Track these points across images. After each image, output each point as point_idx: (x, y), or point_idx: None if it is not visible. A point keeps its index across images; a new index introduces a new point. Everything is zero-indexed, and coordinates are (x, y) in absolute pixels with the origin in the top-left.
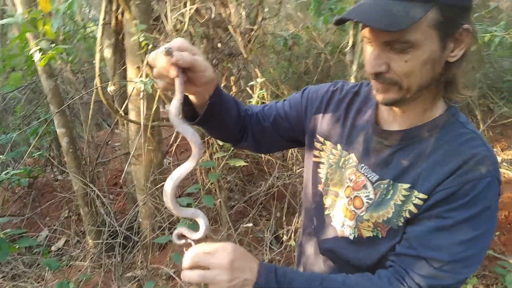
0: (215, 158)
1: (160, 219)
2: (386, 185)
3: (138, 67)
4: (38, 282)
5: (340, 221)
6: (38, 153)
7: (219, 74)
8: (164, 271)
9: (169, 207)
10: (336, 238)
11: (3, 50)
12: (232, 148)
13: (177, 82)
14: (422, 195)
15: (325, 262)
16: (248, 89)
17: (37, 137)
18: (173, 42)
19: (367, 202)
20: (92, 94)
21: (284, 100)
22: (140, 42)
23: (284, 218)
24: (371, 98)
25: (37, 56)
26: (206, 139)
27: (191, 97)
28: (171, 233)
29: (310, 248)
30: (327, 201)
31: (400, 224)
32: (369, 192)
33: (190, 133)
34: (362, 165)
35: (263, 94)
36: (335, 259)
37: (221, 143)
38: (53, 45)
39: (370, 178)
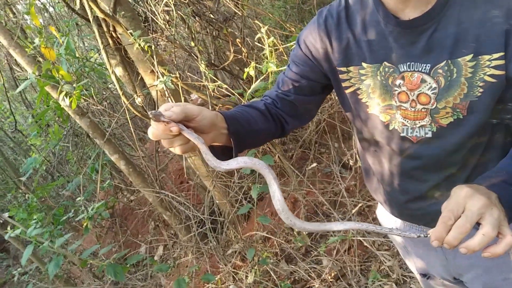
0: None
1: (233, 194)
2: (446, 68)
3: (152, 71)
4: None
5: (409, 127)
6: (106, 183)
7: (224, 43)
8: (258, 236)
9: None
10: (411, 144)
11: (33, 112)
12: None
13: (188, 136)
14: (497, 54)
15: (407, 170)
16: (257, 43)
17: (98, 172)
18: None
19: (433, 93)
20: (125, 114)
21: (288, 64)
22: (142, 47)
23: (342, 145)
24: (363, 2)
25: (66, 101)
26: None
27: (216, 145)
28: (246, 201)
29: (382, 168)
30: (385, 118)
31: (479, 94)
32: (430, 84)
33: (245, 162)
34: (407, 63)
35: (273, 42)
36: (419, 164)
37: None
38: (74, 85)
39: (423, 70)
